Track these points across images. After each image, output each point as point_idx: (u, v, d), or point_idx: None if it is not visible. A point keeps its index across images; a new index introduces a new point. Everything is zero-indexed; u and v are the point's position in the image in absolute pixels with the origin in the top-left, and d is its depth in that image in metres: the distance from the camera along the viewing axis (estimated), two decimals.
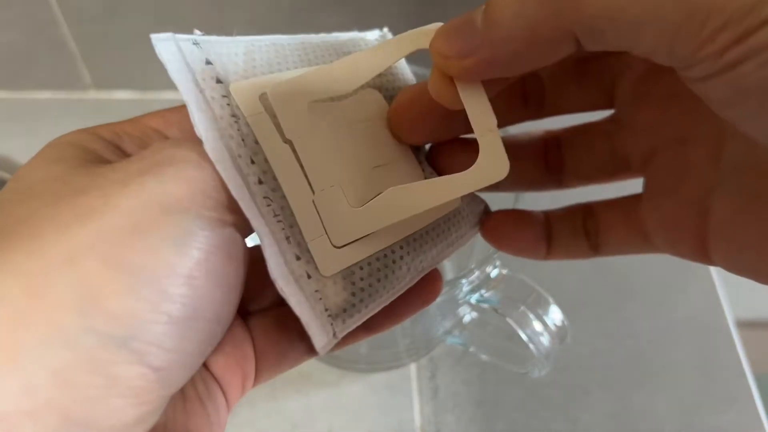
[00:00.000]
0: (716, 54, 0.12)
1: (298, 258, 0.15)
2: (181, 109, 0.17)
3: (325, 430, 0.33)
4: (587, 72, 0.19)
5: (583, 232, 0.20)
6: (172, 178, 0.14)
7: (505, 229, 0.20)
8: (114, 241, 0.13)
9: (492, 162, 0.16)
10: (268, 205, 0.15)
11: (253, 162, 0.15)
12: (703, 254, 0.17)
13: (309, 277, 0.15)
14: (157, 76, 0.45)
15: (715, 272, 0.40)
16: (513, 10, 0.14)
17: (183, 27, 0.46)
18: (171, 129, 0.17)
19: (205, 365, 0.16)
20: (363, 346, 0.33)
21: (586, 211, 0.20)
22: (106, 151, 0.16)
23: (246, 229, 0.15)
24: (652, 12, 0.12)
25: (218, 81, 0.15)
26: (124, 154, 0.16)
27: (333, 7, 0.40)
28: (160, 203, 0.13)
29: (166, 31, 0.15)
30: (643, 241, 0.19)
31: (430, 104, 0.17)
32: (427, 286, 0.19)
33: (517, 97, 0.20)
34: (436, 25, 0.17)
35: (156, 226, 0.13)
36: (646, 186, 0.19)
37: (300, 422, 0.33)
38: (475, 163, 0.16)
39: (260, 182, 0.15)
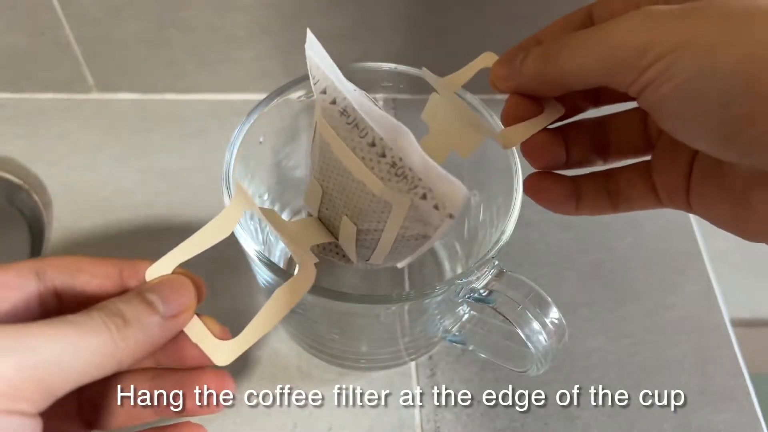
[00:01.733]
0: (635, 89, 0.19)
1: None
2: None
3: (325, 429, 0.33)
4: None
5: (606, 192, 0.24)
6: None
7: (543, 185, 0.25)
8: None
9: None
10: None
11: None
12: (690, 207, 0.23)
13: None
14: (159, 78, 0.45)
15: (712, 272, 0.40)
16: (530, 63, 0.22)
17: (185, 29, 0.47)
18: None
19: None
20: (363, 344, 0.33)
21: (607, 175, 0.25)
22: None
23: (40, 409, 0.16)
24: (598, 67, 0.20)
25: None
26: None
27: (334, 10, 0.40)
28: None
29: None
30: (654, 198, 0.24)
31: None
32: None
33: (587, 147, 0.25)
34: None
35: None
36: (653, 156, 0.24)
37: (300, 421, 0.33)
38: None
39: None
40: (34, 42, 0.42)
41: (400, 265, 0.25)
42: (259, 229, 0.31)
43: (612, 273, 0.39)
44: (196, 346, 0.21)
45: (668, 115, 0.19)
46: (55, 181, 0.41)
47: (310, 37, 0.22)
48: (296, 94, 0.29)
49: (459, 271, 0.36)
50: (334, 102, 0.21)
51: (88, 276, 0.20)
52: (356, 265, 0.26)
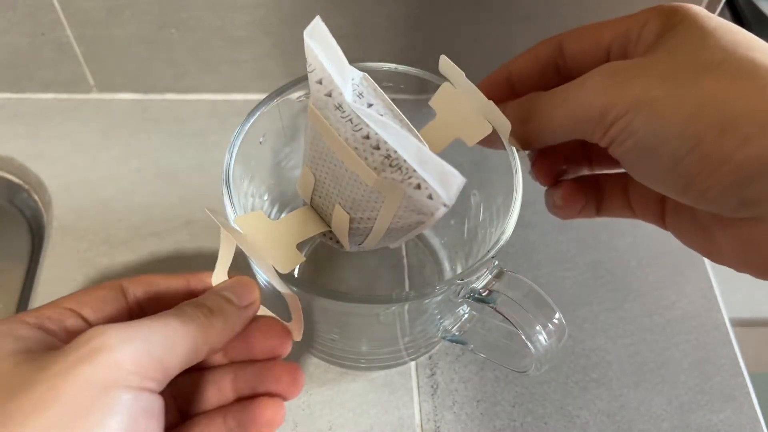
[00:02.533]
0: (604, 144, 0.21)
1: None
2: (92, 291, 0.22)
3: (325, 428, 0.33)
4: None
5: (594, 199, 0.27)
6: (102, 363, 0.17)
7: (570, 203, 0.27)
8: (65, 427, 0.16)
9: None
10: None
11: None
12: (665, 226, 0.25)
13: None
14: (159, 78, 0.45)
15: (712, 272, 0.40)
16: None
17: (185, 29, 0.47)
18: (85, 309, 0.22)
19: None
20: (363, 344, 0.33)
21: (596, 184, 0.27)
22: (33, 334, 0.20)
23: (161, 387, 0.19)
24: (570, 126, 0.22)
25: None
26: (48, 332, 0.20)
27: (333, 9, 0.40)
28: (96, 385, 0.17)
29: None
30: (630, 211, 0.26)
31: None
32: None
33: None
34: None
35: (96, 405, 0.17)
36: (629, 182, 0.26)
37: (301, 420, 0.33)
38: None
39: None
40: (35, 42, 0.42)
41: (392, 245, 0.25)
42: None
43: (612, 273, 0.39)
44: (263, 339, 0.24)
45: (631, 166, 0.21)
46: (56, 181, 0.41)
47: (317, 24, 0.22)
48: (296, 95, 0.29)
49: (459, 271, 0.36)
50: (329, 94, 0.21)
51: (164, 287, 0.24)
52: (349, 249, 0.26)
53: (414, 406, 0.34)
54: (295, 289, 0.23)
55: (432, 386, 0.35)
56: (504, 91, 0.26)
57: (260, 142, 0.30)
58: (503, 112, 0.24)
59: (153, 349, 0.19)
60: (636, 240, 0.41)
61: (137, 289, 0.24)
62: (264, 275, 0.25)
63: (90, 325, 0.22)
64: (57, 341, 0.20)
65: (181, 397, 0.24)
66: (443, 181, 0.20)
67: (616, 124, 0.20)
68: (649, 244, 0.41)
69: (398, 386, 0.34)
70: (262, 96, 0.29)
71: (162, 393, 0.19)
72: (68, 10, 0.40)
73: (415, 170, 0.20)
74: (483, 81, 0.26)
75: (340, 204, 0.23)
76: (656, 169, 0.20)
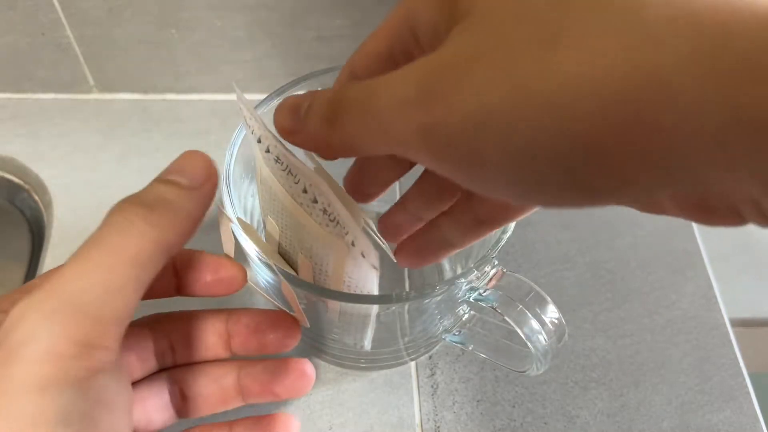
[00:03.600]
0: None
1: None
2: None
3: (325, 428, 0.33)
4: None
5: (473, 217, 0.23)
6: (30, 361, 0.14)
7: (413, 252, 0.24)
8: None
9: None
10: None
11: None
12: None
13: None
14: (159, 78, 0.45)
15: (712, 272, 0.40)
16: (314, 122, 0.17)
17: (185, 29, 0.47)
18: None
19: None
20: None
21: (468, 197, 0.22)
22: None
23: (117, 346, 0.16)
24: (378, 142, 0.16)
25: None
26: None
27: (334, 10, 0.40)
28: (31, 388, 0.14)
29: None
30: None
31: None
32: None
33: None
34: None
35: (37, 416, 0.14)
36: None
37: (301, 420, 0.33)
38: None
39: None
40: (35, 42, 0.42)
41: (366, 346, 0.27)
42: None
43: (612, 273, 0.39)
44: (274, 331, 0.23)
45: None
46: (56, 181, 0.41)
47: (237, 91, 0.20)
48: (296, 95, 0.29)
49: (459, 271, 0.36)
50: (268, 150, 0.21)
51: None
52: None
53: (414, 406, 0.34)
54: (295, 289, 0.23)
55: (432, 386, 0.35)
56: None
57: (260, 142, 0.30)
58: (309, 112, 0.18)
59: (86, 312, 0.15)
60: (636, 240, 0.41)
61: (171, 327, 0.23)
62: (265, 274, 0.25)
63: None
64: None
65: (180, 394, 0.24)
66: (369, 245, 0.20)
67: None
68: (649, 244, 0.41)
69: (398, 386, 0.34)
70: (262, 96, 0.29)
71: (158, 378, 0.18)
72: (68, 10, 0.40)
73: (347, 226, 0.20)
74: (296, 96, 0.19)
75: (302, 254, 0.23)
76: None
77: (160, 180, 0.19)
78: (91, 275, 0.16)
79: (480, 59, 0.13)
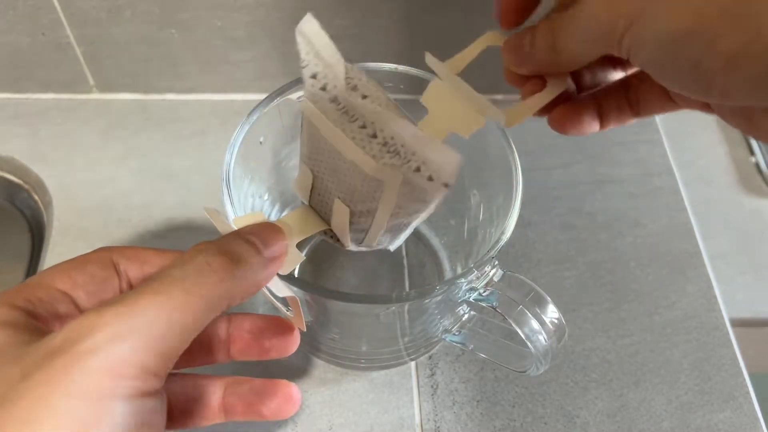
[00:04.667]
0: (624, 56, 0.20)
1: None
2: (84, 267, 0.20)
3: (325, 428, 0.33)
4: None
5: (626, 103, 0.25)
6: (94, 371, 0.15)
7: (570, 116, 0.25)
8: None
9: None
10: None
11: None
12: (708, 109, 0.23)
13: None
14: (159, 78, 0.45)
15: (712, 272, 0.40)
16: (540, 47, 0.22)
17: (185, 30, 0.47)
18: (77, 292, 0.19)
19: None
20: (364, 344, 0.33)
21: (626, 85, 0.25)
22: (18, 319, 0.18)
23: (164, 380, 0.17)
24: (589, 46, 0.21)
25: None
26: (38, 317, 0.18)
27: (333, 9, 0.40)
28: (89, 396, 0.15)
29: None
30: (672, 103, 0.24)
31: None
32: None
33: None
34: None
35: (90, 422, 0.15)
36: None
37: (301, 420, 0.33)
38: None
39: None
40: (35, 42, 0.42)
41: (392, 247, 0.25)
42: None
43: (612, 273, 0.39)
44: (273, 337, 0.23)
45: (654, 74, 0.20)
46: (56, 181, 0.41)
47: (309, 20, 0.21)
48: (296, 95, 0.29)
49: (459, 271, 0.36)
50: (324, 88, 0.21)
51: (155, 268, 0.21)
52: (349, 247, 0.26)
53: (414, 406, 0.34)
54: (295, 289, 0.23)
55: (432, 386, 0.35)
56: (521, 15, 0.24)
57: (260, 143, 0.30)
58: (534, 41, 0.23)
59: (154, 343, 0.16)
60: (636, 240, 0.41)
61: (128, 265, 0.21)
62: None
63: (80, 310, 0.19)
64: (44, 327, 0.18)
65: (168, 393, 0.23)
66: (443, 161, 0.19)
67: (625, 37, 0.19)
68: (649, 244, 0.41)
69: (398, 386, 0.34)
70: (262, 96, 0.29)
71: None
72: (68, 10, 0.40)
73: (414, 153, 0.20)
74: (513, 36, 0.24)
75: (339, 198, 0.23)
76: (675, 75, 0.19)
77: (242, 237, 0.20)
78: (165, 310, 0.17)
79: None
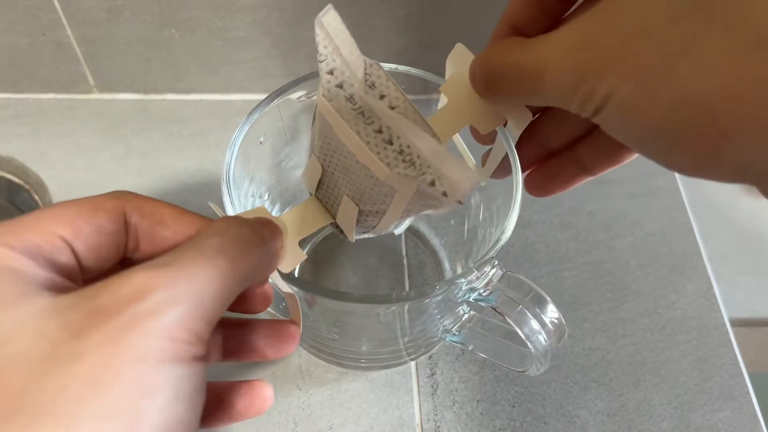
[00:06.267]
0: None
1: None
2: (93, 217, 0.18)
3: (325, 428, 0.33)
4: None
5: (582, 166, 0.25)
6: (155, 334, 0.15)
7: (545, 185, 0.26)
8: (129, 409, 0.14)
9: None
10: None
11: None
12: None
13: None
14: (159, 78, 0.45)
15: (712, 272, 0.40)
16: (476, 87, 0.23)
17: (185, 29, 0.47)
18: (77, 242, 0.17)
19: None
20: (364, 344, 0.33)
21: (576, 151, 0.25)
22: (30, 268, 0.16)
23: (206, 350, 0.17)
24: (538, 84, 0.19)
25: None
26: (37, 263, 0.16)
27: (335, 9, 0.40)
28: (152, 360, 0.14)
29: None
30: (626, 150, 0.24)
31: None
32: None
33: None
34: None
35: (157, 386, 0.14)
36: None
37: (301, 420, 0.33)
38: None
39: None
40: (36, 42, 0.42)
41: (397, 231, 0.25)
42: None
43: (612, 273, 0.39)
44: (271, 339, 0.23)
45: (613, 132, 0.19)
46: (56, 181, 0.41)
47: (329, 12, 0.21)
48: (296, 95, 0.29)
49: (459, 271, 0.36)
50: (340, 86, 0.21)
51: (171, 232, 0.19)
52: (353, 240, 0.26)
53: (414, 406, 0.34)
54: (295, 288, 0.23)
55: (432, 386, 0.35)
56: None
57: (260, 142, 0.30)
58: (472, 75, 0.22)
59: (205, 309, 0.16)
60: (636, 240, 0.41)
61: (140, 220, 0.19)
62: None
63: (81, 265, 0.17)
64: (59, 280, 0.16)
65: None
66: (458, 179, 0.19)
67: (593, 90, 0.17)
68: (649, 244, 0.41)
69: (398, 386, 0.34)
70: (262, 96, 0.29)
71: None
72: (68, 10, 0.40)
73: (429, 165, 0.19)
74: (491, 42, 0.23)
75: (348, 195, 0.23)
76: (643, 151, 0.18)
77: (255, 230, 0.19)
78: (216, 278, 0.16)
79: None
